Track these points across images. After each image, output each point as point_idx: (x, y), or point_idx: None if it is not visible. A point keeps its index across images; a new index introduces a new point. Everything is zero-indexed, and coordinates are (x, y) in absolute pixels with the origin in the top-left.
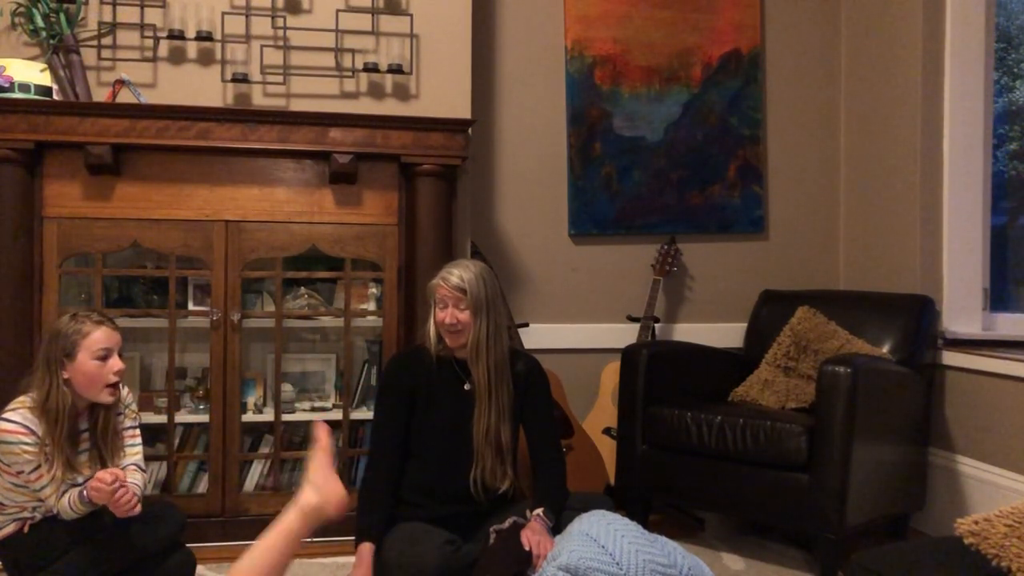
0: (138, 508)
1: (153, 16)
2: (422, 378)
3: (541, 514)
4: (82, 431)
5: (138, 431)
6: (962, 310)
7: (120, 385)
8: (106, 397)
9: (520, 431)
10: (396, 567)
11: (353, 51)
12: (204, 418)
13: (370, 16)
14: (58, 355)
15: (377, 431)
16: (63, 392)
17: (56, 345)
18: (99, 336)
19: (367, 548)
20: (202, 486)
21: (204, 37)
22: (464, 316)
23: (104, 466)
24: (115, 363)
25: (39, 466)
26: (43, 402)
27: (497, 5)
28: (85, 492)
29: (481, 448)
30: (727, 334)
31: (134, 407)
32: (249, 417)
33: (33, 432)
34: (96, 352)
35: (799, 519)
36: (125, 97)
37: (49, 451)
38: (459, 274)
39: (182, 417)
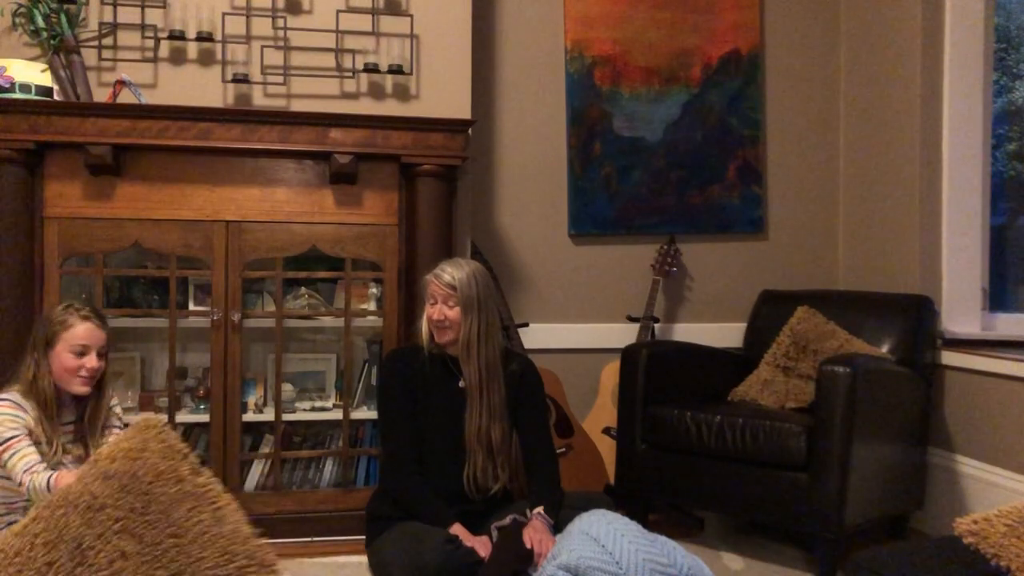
0: None
1: (154, 16)
2: (417, 374)
3: (542, 512)
4: (66, 423)
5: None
6: (961, 310)
7: (107, 385)
8: (78, 388)
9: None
10: (396, 566)
11: (353, 51)
12: (204, 418)
13: (370, 16)
14: (41, 341)
15: (389, 425)
16: (48, 376)
17: (40, 331)
18: (80, 331)
19: (460, 528)
20: None
21: (205, 38)
22: (452, 313)
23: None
24: (90, 361)
25: (14, 437)
26: (31, 383)
27: (497, 5)
28: (52, 480)
29: (473, 447)
30: (727, 334)
31: (118, 410)
32: (249, 417)
33: (20, 407)
34: (74, 347)
35: (799, 519)
36: (126, 97)
37: (37, 434)
38: (451, 272)
39: (182, 417)
